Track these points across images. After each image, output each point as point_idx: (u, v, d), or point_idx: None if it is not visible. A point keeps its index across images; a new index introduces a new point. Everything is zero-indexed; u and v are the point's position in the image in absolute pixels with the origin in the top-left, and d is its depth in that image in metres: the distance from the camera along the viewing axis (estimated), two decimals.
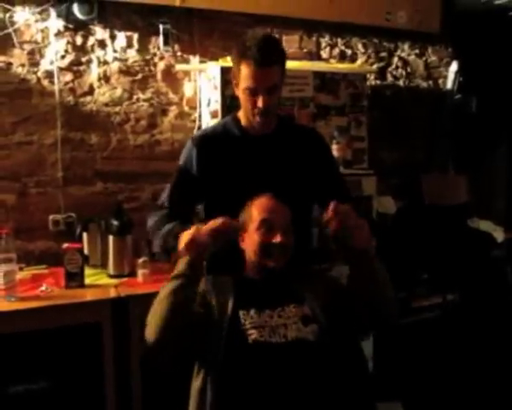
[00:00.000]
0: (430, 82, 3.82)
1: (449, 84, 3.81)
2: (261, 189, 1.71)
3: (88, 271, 2.50)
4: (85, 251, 2.59)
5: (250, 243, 1.66)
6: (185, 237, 1.52)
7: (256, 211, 1.67)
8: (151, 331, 1.46)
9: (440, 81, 3.85)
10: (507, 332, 3.13)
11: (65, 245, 2.37)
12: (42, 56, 2.73)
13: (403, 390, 2.86)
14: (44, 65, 2.73)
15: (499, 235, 3.43)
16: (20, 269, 2.49)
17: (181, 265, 1.51)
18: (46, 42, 2.73)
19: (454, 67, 3.75)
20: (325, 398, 1.47)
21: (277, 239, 1.61)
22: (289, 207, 1.70)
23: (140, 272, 2.45)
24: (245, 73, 1.73)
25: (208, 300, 1.60)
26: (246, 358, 1.48)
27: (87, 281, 2.41)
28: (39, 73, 2.73)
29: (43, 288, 2.30)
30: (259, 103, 1.73)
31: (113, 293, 2.32)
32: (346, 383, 1.52)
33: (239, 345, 1.49)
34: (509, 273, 3.39)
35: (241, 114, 1.89)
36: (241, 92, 1.79)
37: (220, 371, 1.46)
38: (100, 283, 2.45)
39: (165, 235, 1.83)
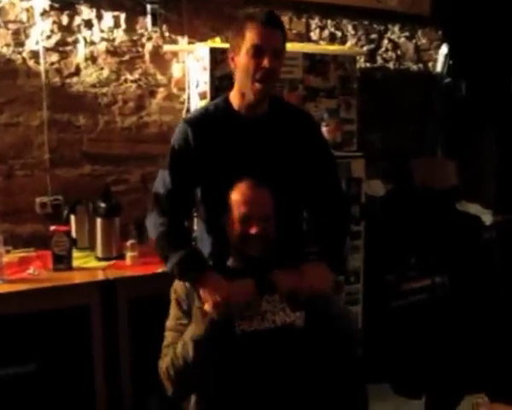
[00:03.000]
0: (420, 65, 3.81)
1: (439, 68, 3.80)
2: (253, 172, 1.69)
3: (76, 253, 2.49)
4: (73, 234, 2.57)
5: (232, 231, 1.66)
6: (215, 296, 1.52)
7: (235, 203, 1.65)
8: (171, 389, 1.57)
9: (430, 64, 3.84)
10: (494, 314, 3.15)
11: (52, 228, 2.36)
12: (27, 36, 2.68)
13: (392, 372, 2.89)
14: (30, 45, 2.68)
15: (487, 218, 3.45)
16: (8, 252, 2.46)
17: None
18: (31, 21, 2.68)
19: (444, 50, 3.74)
20: (315, 381, 1.48)
21: (253, 230, 1.61)
22: (278, 189, 1.69)
23: (128, 254, 2.44)
24: (251, 33, 1.68)
25: (190, 301, 1.61)
26: (235, 349, 1.49)
27: (75, 264, 2.40)
28: (25, 54, 2.68)
29: (30, 271, 2.29)
30: (266, 63, 1.67)
31: (101, 276, 2.32)
32: (336, 365, 1.53)
33: (227, 338, 1.50)
34: (496, 256, 3.41)
35: (232, 96, 1.84)
36: (243, 56, 1.71)
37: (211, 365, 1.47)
38: (88, 265, 2.44)
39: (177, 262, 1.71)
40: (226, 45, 2.78)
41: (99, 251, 2.50)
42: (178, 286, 1.68)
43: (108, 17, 2.83)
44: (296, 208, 1.93)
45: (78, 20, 2.77)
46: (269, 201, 1.66)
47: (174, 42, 2.97)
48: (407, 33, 3.74)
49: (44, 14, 2.69)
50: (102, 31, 2.83)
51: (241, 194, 1.65)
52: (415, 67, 3.79)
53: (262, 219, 1.62)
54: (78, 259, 2.48)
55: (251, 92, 1.75)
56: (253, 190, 1.65)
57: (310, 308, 1.57)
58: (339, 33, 3.47)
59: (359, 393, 1.63)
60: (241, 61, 1.73)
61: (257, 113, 1.82)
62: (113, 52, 2.86)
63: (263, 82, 1.71)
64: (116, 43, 2.86)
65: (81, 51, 2.79)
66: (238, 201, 1.65)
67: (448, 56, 3.73)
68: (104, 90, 2.86)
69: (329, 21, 3.43)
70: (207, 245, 1.85)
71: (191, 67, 2.92)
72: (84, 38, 2.79)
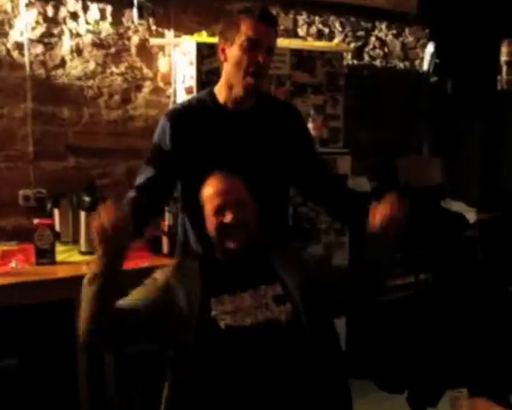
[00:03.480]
0: (407, 63, 3.83)
1: (425, 66, 3.82)
2: (238, 166, 1.68)
3: (59, 247, 2.47)
4: (57, 227, 2.55)
5: (210, 228, 1.65)
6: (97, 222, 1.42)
7: (207, 198, 1.64)
8: (82, 333, 1.51)
9: (417, 62, 3.86)
10: (477, 311, 3.18)
11: (35, 221, 2.33)
12: (11, 27, 2.65)
13: (375, 368, 2.90)
14: (14, 36, 2.65)
15: (471, 216, 3.48)
16: None
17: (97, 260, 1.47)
18: (16, 12, 2.64)
19: (430, 48, 3.76)
20: (299, 378, 1.48)
21: (228, 218, 1.59)
22: (264, 183, 1.68)
23: None
24: (247, 26, 1.67)
25: (172, 288, 1.57)
26: (219, 344, 1.48)
27: (58, 258, 2.37)
28: (9, 45, 2.65)
29: (12, 264, 2.26)
30: (260, 57, 1.67)
31: (84, 270, 2.29)
32: (320, 361, 1.53)
33: (211, 333, 1.49)
34: (479, 253, 3.44)
35: (218, 89, 1.82)
36: (236, 49, 1.69)
37: (194, 359, 1.46)
38: (71, 259, 2.42)
39: None
40: (213, 40, 2.77)
41: (83, 245, 2.48)
42: (159, 274, 1.65)
43: (94, 9, 2.80)
44: (282, 202, 1.93)
45: (63, 12, 2.74)
46: (239, 187, 1.64)
47: (161, 35, 2.95)
48: (394, 31, 3.75)
49: (29, 4, 2.66)
50: (88, 23, 2.80)
51: (211, 186, 1.64)
52: (401, 65, 3.81)
53: (235, 205, 1.60)
54: (62, 253, 2.46)
55: (241, 86, 1.73)
56: (222, 180, 1.64)
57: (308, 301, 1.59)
58: (326, 30, 3.48)
59: (342, 388, 1.64)
60: (233, 54, 1.71)
61: (242, 106, 1.80)
62: (98, 45, 2.84)
63: (255, 77, 1.70)
64: (102, 35, 2.84)
65: (66, 43, 2.76)
66: (209, 194, 1.63)
67: (434, 55, 3.75)
68: (90, 82, 2.83)
69: (317, 18, 3.44)
70: (194, 242, 1.84)
71: (178, 61, 2.90)
72: (70, 30, 2.77)
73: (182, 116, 1.81)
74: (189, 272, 1.63)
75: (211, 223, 1.63)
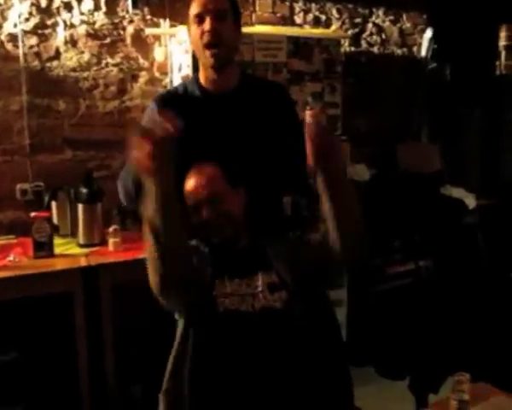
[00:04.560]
0: (405, 49, 3.80)
1: (423, 52, 3.79)
2: (223, 151, 1.65)
3: (57, 240, 2.46)
4: (54, 220, 2.53)
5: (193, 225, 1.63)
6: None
7: (185, 195, 1.60)
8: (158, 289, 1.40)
9: (415, 48, 3.83)
10: (478, 297, 3.18)
11: (33, 214, 2.32)
12: (4, 19, 2.62)
13: (376, 355, 2.90)
14: (8, 28, 2.63)
15: (471, 202, 3.47)
16: None
17: (150, 200, 1.34)
18: (9, 3, 2.62)
19: (428, 34, 3.73)
20: (296, 365, 1.47)
21: (205, 215, 1.57)
22: (252, 168, 1.66)
23: (111, 240, 2.41)
24: (193, 4, 1.71)
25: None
26: (216, 327, 1.48)
27: (57, 251, 2.37)
28: (2, 37, 2.63)
29: (10, 258, 2.25)
30: (205, 26, 1.68)
31: (83, 262, 2.29)
32: (318, 349, 1.52)
33: (210, 313, 1.49)
34: (479, 239, 3.43)
35: (200, 73, 1.81)
36: (191, 29, 1.73)
37: (191, 340, 1.46)
38: (70, 252, 2.41)
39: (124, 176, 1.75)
40: None
41: (81, 238, 2.47)
42: None
43: None
44: (273, 188, 1.87)
45: (57, 3, 2.72)
46: (214, 179, 1.60)
47: (156, 25, 2.92)
48: (391, 17, 3.72)
49: None
50: (82, 13, 2.77)
51: (187, 184, 1.61)
52: (399, 52, 3.78)
53: (210, 200, 1.58)
54: (60, 246, 2.45)
55: (206, 62, 1.73)
56: (195, 176, 1.61)
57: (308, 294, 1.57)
58: (323, 17, 3.45)
59: (343, 376, 1.63)
60: (191, 34, 1.74)
61: (224, 88, 1.78)
62: (93, 35, 2.81)
63: (210, 47, 1.69)
64: (97, 26, 2.81)
65: (61, 34, 2.74)
66: (185, 193, 1.61)
67: (432, 40, 3.72)
68: (85, 74, 2.81)
69: (313, 5, 3.41)
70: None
71: (173, 50, 2.88)
72: (64, 21, 2.74)
73: (167, 100, 1.80)
74: (199, 253, 1.61)
75: (193, 221, 1.61)
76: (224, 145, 1.71)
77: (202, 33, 1.69)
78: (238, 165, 1.65)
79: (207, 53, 1.70)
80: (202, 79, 1.80)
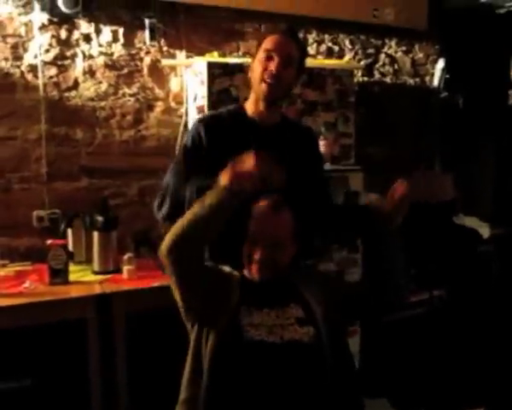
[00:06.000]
0: (417, 79, 3.83)
1: (435, 82, 3.82)
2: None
3: (72, 267, 2.48)
4: (70, 247, 2.56)
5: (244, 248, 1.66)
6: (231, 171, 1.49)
7: (251, 219, 1.63)
8: (170, 237, 1.51)
9: (427, 78, 3.86)
10: (493, 328, 3.14)
11: (49, 241, 2.34)
12: (25, 50, 2.69)
13: (389, 387, 2.87)
14: (28, 59, 2.69)
15: (485, 231, 3.45)
16: (4, 266, 2.46)
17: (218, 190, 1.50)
18: (30, 35, 2.69)
19: (441, 64, 3.76)
20: (314, 396, 1.47)
21: (257, 256, 1.60)
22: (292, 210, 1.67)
23: (125, 268, 2.43)
24: (266, 40, 1.81)
25: (225, 283, 1.61)
26: (240, 355, 1.48)
27: (71, 277, 2.38)
28: (23, 67, 2.69)
29: (26, 284, 2.27)
30: (272, 66, 1.77)
31: (97, 289, 2.30)
32: (336, 382, 1.52)
33: (235, 342, 1.49)
34: (494, 269, 3.40)
35: (248, 103, 1.90)
36: (256, 61, 1.82)
37: (214, 362, 1.47)
38: (84, 279, 2.43)
39: (197, 182, 1.75)
40: (224, 60, 2.81)
41: (96, 265, 2.49)
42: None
43: (107, 31, 2.84)
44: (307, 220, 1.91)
45: (76, 35, 2.78)
46: (283, 226, 1.62)
47: (172, 56, 2.98)
48: (404, 48, 3.76)
49: (43, 28, 2.70)
50: (101, 45, 2.84)
51: (256, 213, 1.63)
52: (412, 81, 3.81)
53: (270, 245, 1.59)
54: (75, 272, 2.47)
55: (260, 93, 1.82)
56: (268, 212, 1.62)
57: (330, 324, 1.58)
58: (336, 48, 3.49)
59: (357, 407, 1.62)
60: (253, 66, 1.83)
61: (269, 122, 1.87)
62: (111, 66, 2.87)
63: (270, 81, 1.78)
64: (114, 57, 2.88)
65: (79, 65, 2.80)
66: (252, 220, 1.63)
67: (444, 71, 3.75)
68: (102, 103, 2.86)
69: (327, 36, 3.46)
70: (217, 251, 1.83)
71: (189, 81, 2.93)
72: (83, 52, 2.80)
73: (214, 121, 1.89)
74: (229, 279, 1.65)
75: (244, 247, 1.64)
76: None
77: (265, 69, 1.78)
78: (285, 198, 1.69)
79: (263, 86, 1.80)
80: (250, 109, 1.89)
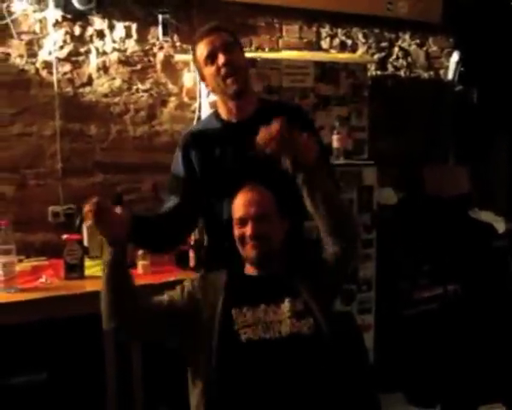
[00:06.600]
0: (431, 72, 3.80)
1: (450, 75, 3.78)
2: (247, 177, 1.69)
3: (88, 262, 2.49)
4: (85, 242, 2.57)
5: (234, 235, 1.67)
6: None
7: (232, 210, 1.67)
8: (104, 322, 1.59)
9: (441, 72, 3.82)
10: (508, 323, 3.12)
11: (64, 236, 2.36)
12: (40, 47, 2.71)
13: (405, 381, 2.86)
14: (43, 55, 2.71)
15: (500, 226, 3.42)
16: (20, 261, 2.48)
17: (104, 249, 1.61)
18: (44, 32, 2.71)
19: (455, 57, 3.73)
20: (325, 391, 1.46)
21: (248, 231, 1.61)
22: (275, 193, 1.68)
23: (140, 263, 2.44)
24: (200, 49, 1.81)
25: (196, 300, 1.60)
26: (240, 357, 1.48)
27: (87, 272, 2.40)
28: (38, 64, 2.71)
29: (42, 279, 2.29)
30: (219, 61, 1.75)
31: None
32: (347, 374, 1.51)
33: (232, 345, 1.49)
34: (510, 264, 3.37)
35: (220, 109, 1.88)
36: (205, 70, 1.81)
37: (215, 372, 1.46)
38: (100, 274, 2.42)
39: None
40: None
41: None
42: (188, 284, 1.67)
43: (120, 27, 2.85)
44: (296, 214, 1.85)
45: (90, 31, 2.80)
46: (264, 199, 1.65)
47: (185, 51, 2.98)
48: (418, 41, 3.73)
49: (57, 24, 2.72)
50: (114, 41, 2.85)
51: (238, 198, 1.66)
52: (426, 75, 3.78)
53: (256, 219, 1.61)
54: (90, 268, 2.48)
55: (227, 91, 1.79)
56: (246, 191, 1.66)
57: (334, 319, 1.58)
58: (349, 41, 3.47)
59: (372, 402, 1.62)
60: (206, 75, 1.82)
61: (244, 116, 1.84)
62: (124, 62, 2.88)
63: (229, 76, 1.76)
64: (128, 53, 2.89)
65: (93, 61, 2.82)
66: (233, 206, 1.67)
67: (459, 64, 3.71)
68: (116, 99, 2.88)
69: (340, 30, 3.44)
70: (220, 260, 1.84)
71: None
72: (97, 49, 2.82)
73: (190, 141, 1.89)
74: (214, 284, 1.64)
75: (235, 234, 1.65)
76: (247, 171, 1.73)
77: (218, 69, 1.77)
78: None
79: (228, 81, 1.77)
80: (222, 112, 1.88)
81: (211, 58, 1.77)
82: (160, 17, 2.87)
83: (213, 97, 2.71)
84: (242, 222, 1.63)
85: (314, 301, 1.57)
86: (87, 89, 2.82)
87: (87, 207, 1.56)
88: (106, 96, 2.85)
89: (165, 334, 1.62)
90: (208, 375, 1.48)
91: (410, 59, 3.71)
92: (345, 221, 1.62)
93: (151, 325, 1.60)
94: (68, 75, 2.78)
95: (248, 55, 2.79)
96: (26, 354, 2.16)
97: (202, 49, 1.79)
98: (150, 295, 1.65)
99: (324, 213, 1.57)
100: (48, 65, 2.72)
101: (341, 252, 1.61)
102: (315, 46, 3.34)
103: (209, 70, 1.79)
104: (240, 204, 1.65)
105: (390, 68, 3.64)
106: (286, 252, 1.68)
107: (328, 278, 1.63)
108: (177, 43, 2.97)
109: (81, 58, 2.80)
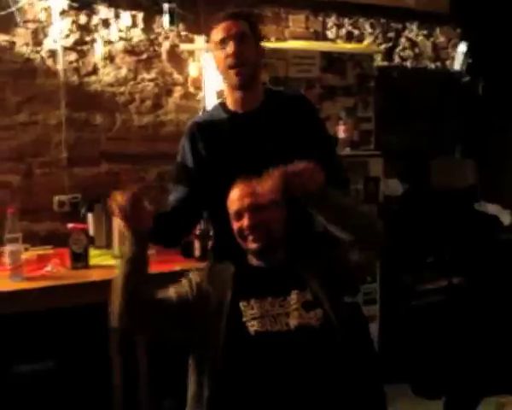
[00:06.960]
0: (438, 63, 3.78)
1: (457, 66, 3.76)
2: (255, 168, 1.66)
3: (93, 252, 2.50)
4: (90, 232, 2.58)
5: (234, 230, 1.66)
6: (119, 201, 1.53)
7: (228, 205, 1.66)
8: (114, 320, 1.55)
9: (448, 62, 3.80)
10: None
11: (70, 226, 2.36)
12: (46, 36, 2.70)
13: (410, 373, 2.86)
14: (48, 44, 2.71)
15: (506, 218, 3.41)
16: (26, 250, 2.48)
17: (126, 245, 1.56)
18: (50, 21, 2.70)
19: (462, 48, 3.70)
20: (331, 382, 1.46)
21: (245, 223, 1.60)
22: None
23: None
24: (215, 31, 1.78)
25: (205, 291, 1.59)
26: (248, 350, 1.47)
27: (92, 262, 2.40)
28: (43, 53, 2.71)
29: (48, 268, 2.30)
30: (229, 49, 1.74)
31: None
32: (353, 365, 1.51)
33: (240, 338, 1.49)
34: None
35: (227, 98, 1.87)
36: (215, 54, 1.80)
37: (221, 364, 1.46)
38: (105, 263, 2.44)
39: None
40: None
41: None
42: (194, 275, 1.67)
43: (126, 16, 2.84)
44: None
45: (95, 20, 2.79)
46: (259, 190, 1.63)
47: (191, 41, 2.98)
48: (425, 31, 3.71)
49: (63, 13, 2.71)
50: (120, 30, 2.84)
51: (232, 192, 1.65)
52: (432, 66, 3.76)
53: (251, 209, 1.60)
54: (96, 257, 2.49)
55: (232, 82, 1.79)
56: (241, 184, 1.65)
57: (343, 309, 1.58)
58: (356, 32, 3.46)
59: (377, 393, 1.62)
60: (215, 60, 1.81)
61: (250, 107, 1.82)
62: (130, 51, 2.88)
63: (234, 67, 1.75)
64: (133, 42, 2.88)
65: (99, 50, 2.81)
66: (230, 200, 1.65)
67: (466, 54, 3.69)
68: (121, 89, 2.87)
69: (346, 20, 3.42)
70: (227, 251, 1.84)
71: (208, 65, 2.91)
72: (102, 38, 2.81)
73: (197, 130, 1.87)
74: (222, 276, 1.63)
75: (234, 228, 1.64)
76: (254, 163, 1.72)
77: (226, 56, 1.76)
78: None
79: (232, 72, 1.76)
80: (229, 102, 1.85)
81: (222, 43, 1.77)
82: (166, 6, 2.85)
83: (219, 87, 2.71)
84: (239, 215, 1.62)
85: (324, 292, 1.57)
86: (93, 78, 2.81)
87: (122, 198, 1.52)
88: (111, 85, 2.85)
89: (176, 331, 1.60)
90: (214, 366, 1.47)
91: (416, 50, 3.69)
92: (366, 233, 1.58)
93: (162, 324, 1.59)
94: (74, 64, 2.77)
95: None
96: (33, 342, 2.17)
97: (217, 32, 1.78)
98: (156, 287, 1.62)
99: (343, 231, 1.56)
100: (53, 54, 2.72)
101: (366, 264, 1.63)
102: (321, 36, 3.33)
103: (219, 54, 1.79)
104: (234, 199, 1.64)
105: (397, 59, 3.63)
106: (290, 242, 1.67)
107: (343, 275, 1.62)
108: (183, 33, 2.96)
109: (87, 47, 2.79)
